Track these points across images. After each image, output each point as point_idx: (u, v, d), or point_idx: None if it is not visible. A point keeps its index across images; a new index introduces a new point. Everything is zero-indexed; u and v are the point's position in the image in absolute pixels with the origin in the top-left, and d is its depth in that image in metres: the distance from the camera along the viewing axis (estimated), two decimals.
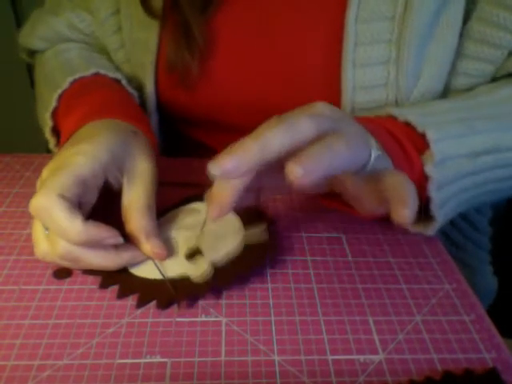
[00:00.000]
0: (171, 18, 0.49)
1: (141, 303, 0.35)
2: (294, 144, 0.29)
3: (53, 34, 0.59)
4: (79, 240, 0.33)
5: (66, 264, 0.36)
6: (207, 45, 0.48)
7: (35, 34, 0.60)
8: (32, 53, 0.63)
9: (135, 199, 0.37)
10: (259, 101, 0.50)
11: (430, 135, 0.36)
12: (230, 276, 0.35)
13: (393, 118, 0.39)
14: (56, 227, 0.33)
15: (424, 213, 0.40)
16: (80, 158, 0.35)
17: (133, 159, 0.38)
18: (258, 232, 0.39)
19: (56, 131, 0.50)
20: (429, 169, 0.36)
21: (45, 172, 0.36)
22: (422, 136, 0.37)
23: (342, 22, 0.44)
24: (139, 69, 0.54)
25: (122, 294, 0.35)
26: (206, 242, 0.38)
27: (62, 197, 0.33)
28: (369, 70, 0.44)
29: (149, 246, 0.36)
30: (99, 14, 0.55)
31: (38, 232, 0.35)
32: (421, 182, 0.37)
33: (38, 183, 0.37)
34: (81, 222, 0.32)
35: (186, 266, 0.37)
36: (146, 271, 0.37)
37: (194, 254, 0.37)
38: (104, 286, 0.36)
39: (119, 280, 0.36)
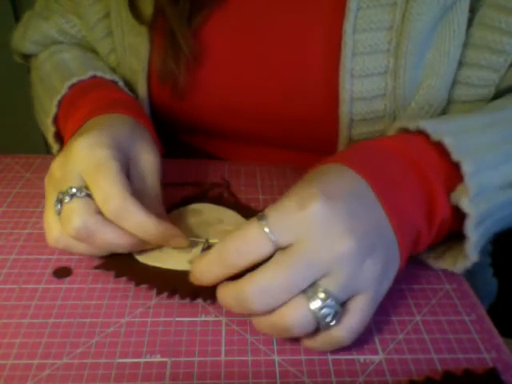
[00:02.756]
0: (160, 26, 0.48)
1: (160, 292, 0.35)
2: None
3: (44, 38, 0.58)
4: (153, 236, 0.34)
5: (79, 248, 0.36)
6: (197, 54, 0.47)
7: (26, 38, 0.59)
8: (26, 56, 0.62)
9: (144, 189, 0.37)
10: (256, 109, 0.49)
11: (466, 167, 0.33)
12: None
13: (423, 135, 0.35)
14: (133, 225, 0.34)
15: (438, 249, 0.38)
16: (106, 152, 0.35)
17: (137, 151, 0.38)
18: None
19: (59, 136, 0.50)
20: (465, 205, 0.33)
21: (56, 166, 0.37)
22: (456, 165, 0.33)
23: (339, 31, 0.43)
24: (131, 75, 0.53)
25: (138, 283, 0.35)
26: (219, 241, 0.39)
27: (131, 195, 0.34)
28: (367, 81, 0.43)
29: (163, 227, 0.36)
30: (88, 19, 0.54)
31: (50, 218, 0.35)
32: (441, 228, 0.35)
33: (47, 179, 0.37)
34: (155, 219, 0.34)
35: None
36: (158, 260, 0.37)
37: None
38: (118, 275, 0.36)
39: (133, 270, 0.36)
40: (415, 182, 0.34)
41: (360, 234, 0.29)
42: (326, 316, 0.28)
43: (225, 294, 0.30)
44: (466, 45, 0.43)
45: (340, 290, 0.29)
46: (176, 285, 0.35)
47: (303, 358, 0.31)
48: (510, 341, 0.40)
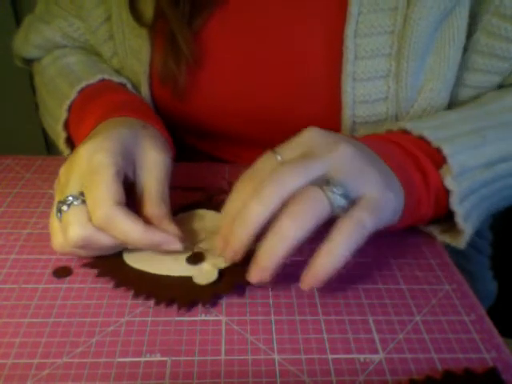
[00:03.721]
0: (161, 28, 0.48)
1: (136, 296, 0.35)
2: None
3: (46, 42, 0.58)
4: (141, 244, 0.34)
5: (80, 253, 0.36)
6: (197, 56, 0.48)
7: (29, 42, 0.58)
8: (28, 60, 0.62)
9: (147, 188, 0.37)
10: (258, 112, 0.49)
11: (446, 150, 0.37)
12: (231, 284, 0.35)
13: (405, 133, 0.40)
14: (120, 233, 0.34)
15: (444, 223, 0.40)
16: (104, 158, 0.35)
17: (142, 150, 0.38)
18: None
19: (69, 141, 0.50)
20: (449, 182, 0.36)
21: (62, 172, 0.37)
22: (438, 150, 0.37)
23: (341, 35, 0.43)
24: (133, 77, 0.53)
25: (117, 284, 0.36)
26: (210, 248, 0.39)
27: (119, 203, 0.34)
28: (369, 84, 0.44)
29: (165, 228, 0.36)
30: (91, 23, 0.54)
31: (55, 225, 0.36)
32: (438, 196, 0.38)
33: (56, 184, 0.38)
34: (142, 227, 0.34)
35: (188, 269, 0.37)
36: (146, 264, 0.37)
37: (197, 259, 0.37)
38: (101, 275, 0.36)
39: (115, 270, 0.36)
40: (406, 159, 0.37)
41: (361, 149, 0.34)
42: (337, 200, 0.31)
43: (255, 202, 0.32)
44: (471, 50, 0.44)
45: (345, 182, 0.32)
46: (151, 290, 0.35)
47: (303, 357, 0.31)
48: (510, 341, 0.40)
